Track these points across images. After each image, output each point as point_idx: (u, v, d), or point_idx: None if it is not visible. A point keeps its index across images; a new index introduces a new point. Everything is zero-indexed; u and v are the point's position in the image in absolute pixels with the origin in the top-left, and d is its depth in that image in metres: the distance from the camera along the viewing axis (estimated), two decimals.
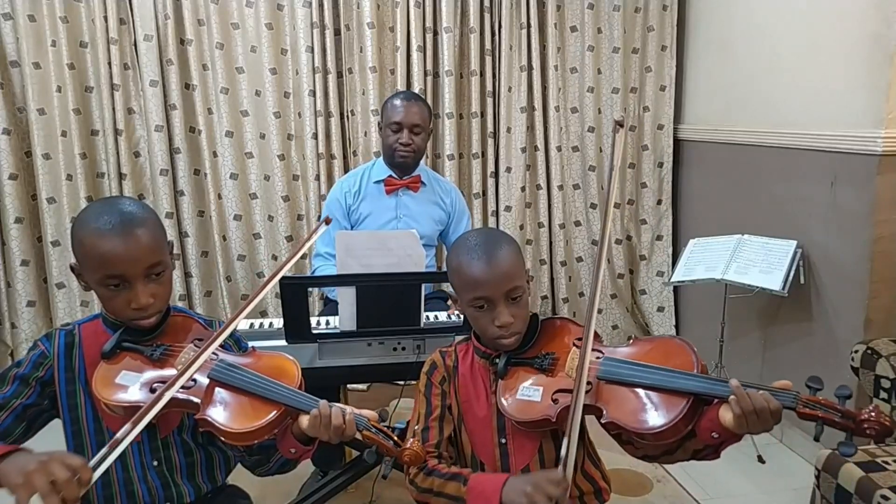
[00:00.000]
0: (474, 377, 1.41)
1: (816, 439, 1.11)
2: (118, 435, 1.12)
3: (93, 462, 1.06)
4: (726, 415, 1.14)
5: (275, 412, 1.22)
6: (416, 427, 1.39)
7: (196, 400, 1.23)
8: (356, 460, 2.19)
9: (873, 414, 1.07)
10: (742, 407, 1.12)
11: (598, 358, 1.30)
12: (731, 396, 1.13)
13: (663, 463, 1.30)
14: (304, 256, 3.35)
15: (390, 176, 2.52)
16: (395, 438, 1.19)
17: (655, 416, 1.19)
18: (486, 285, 1.31)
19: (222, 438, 1.22)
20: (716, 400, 1.18)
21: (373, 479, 2.27)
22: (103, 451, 1.09)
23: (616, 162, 1.35)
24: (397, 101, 2.47)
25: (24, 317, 3.08)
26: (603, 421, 1.23)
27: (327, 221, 1.58)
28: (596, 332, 1.36)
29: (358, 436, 1.21)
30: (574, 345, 1.36)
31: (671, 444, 1.22)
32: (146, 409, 1.15)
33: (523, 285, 1.35)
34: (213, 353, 1.29)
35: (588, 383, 1.25)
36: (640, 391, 1.23)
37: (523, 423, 1.30)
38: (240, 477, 1.48)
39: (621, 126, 1.40)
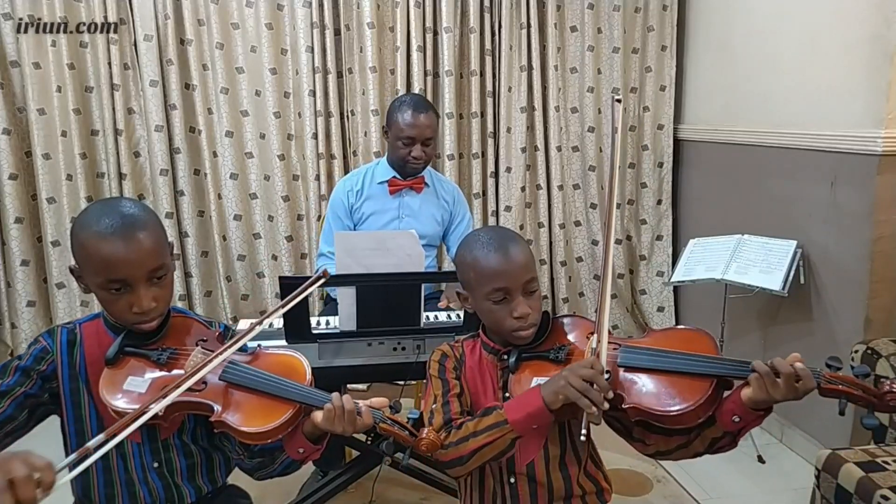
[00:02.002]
0: (482, 372, 1.41)
1: (842, 413, 1.13)
2: (94, 441, 1.09)
3: (60, 465, 1.02)
4: (747, 389, 1.16)
5: (290, 411, 1.22)
6: (433, 406, 1.35)
7: (211, 403, 1.23)
8: (356, 460, 2.19)
9: (895, 386, 1.09)
10: (761, 371, 1.13)
11: (615, 349, 1.30)
12: (753, 372, 1.15)
13: (676, 458, 1.30)
14: (303, 256, 3.35)
15: (394, 177, 2.52)
16: (411, 429, 1.20)
17: (678, 399, 1.19)
18: (505, 276, 1.33)
19: (239, 439, 1.23)
20: (737, 383, 1.19)
21: (373, 479, 2.27)
22: (72, 456, 1.07)
23: (618, 127, 1.42)
24: (408, 115, 2.39)
25: (24, 317, 3.08)
26: (624, 406, 1.23)
27: (324, 274, 1.42)
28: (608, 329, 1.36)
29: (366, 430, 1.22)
30: (588, 338, 1.36)
31: (689, 430, 1.22)
32: (166, 394, 1.16)
33: (537, 278, 1.38)
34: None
35: (607, 372, 1.25)
36: (662, 376, 1.23)
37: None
38: (240, 477, 1.48)
39: (619, 101, 1.45)
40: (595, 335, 1.26)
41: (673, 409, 1.18)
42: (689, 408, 1.17)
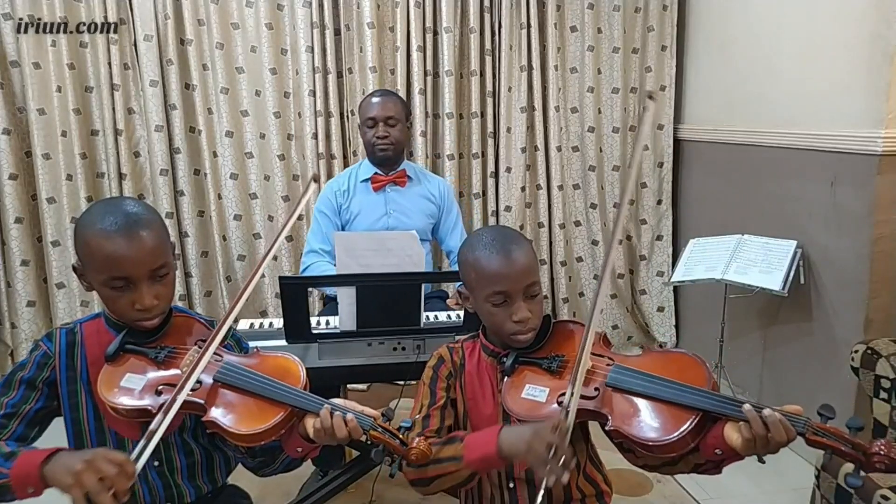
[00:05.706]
0: (481, 375, 1.40)
1: (824, 468, 1.10)
2: (152, 426, 1.14)
3: (133, 455, 1.10)
4: (733, 435, 1.12)
5: (281, 414, 1.22)
6: (416, 416, 1.36)
7: (203, 402, 1.23)
8: (356, 460, 2.19)
9: (884, 448, 1.05)
10: (755, 433, 1.09)
11: (608, 364, 1.28)
12: (743, 421, 1.11)
13: (663, 473, 1.29)
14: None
15: (376, 173, 2.55)
16: (402, 437, 1.19)
17: (661, 429, 1.17)
18: (506, 279, 1.31)
19: (230, 440, 1.23)
20: (723, 416, 1.17)
21: (373, 479, 2.27)
22: (141, 443, 1.12)
23: (646, 133, 1.36)
24: (370, 98, 2.54)
25: (24, 317, 3.08)
26: (607, 428, 1.22)
27: (315, 178, 1.61)
28: (605, 337, 1.35)
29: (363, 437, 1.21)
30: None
31: (673, 456, 1.21)
32: (169, 405, 1.15)
33: (539, 282, 1.36)
34: (218, 354, 1.29)
35: (595, 389, 1.24)
36: (648, 402, 1.21)
37: (527, 423, 1.29)
38: (240, 477, 1.49)
39: (652, 99, 1.46)
40: (569, 390, 1.20)
41: (654, 438, 1.17)
42: (670, 440, 1.16)
